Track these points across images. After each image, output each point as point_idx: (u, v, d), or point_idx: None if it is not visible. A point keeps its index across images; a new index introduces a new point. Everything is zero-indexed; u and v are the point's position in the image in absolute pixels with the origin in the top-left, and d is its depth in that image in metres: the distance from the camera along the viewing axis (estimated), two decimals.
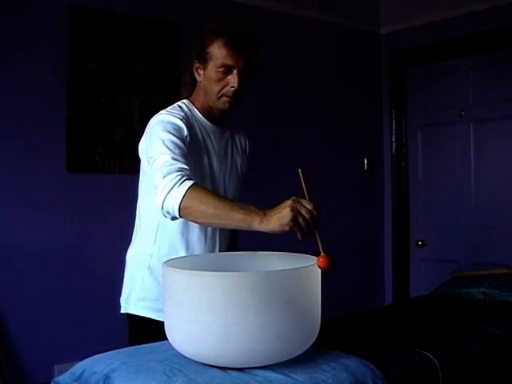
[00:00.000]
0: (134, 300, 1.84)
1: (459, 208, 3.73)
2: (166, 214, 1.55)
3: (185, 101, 1.85)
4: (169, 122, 1.70)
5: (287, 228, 1.39)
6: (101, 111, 2.93)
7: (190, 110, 1.80)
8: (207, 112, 1.82)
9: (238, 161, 1.95)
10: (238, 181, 1.94)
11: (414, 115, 3.99)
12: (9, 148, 2.71)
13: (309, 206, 1.40)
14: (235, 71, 1.72)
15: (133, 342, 1.78)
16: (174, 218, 1.56)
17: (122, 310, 1.87)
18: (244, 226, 1.45)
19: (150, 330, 1.74)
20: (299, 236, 1.41)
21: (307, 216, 1.39)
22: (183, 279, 1.33)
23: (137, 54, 3.03)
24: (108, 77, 2.95)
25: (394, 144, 4.07)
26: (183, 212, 1.51)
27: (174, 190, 1.50)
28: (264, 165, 3.35)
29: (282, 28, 3.61)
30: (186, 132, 1.70)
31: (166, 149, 1.61)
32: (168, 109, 1.78)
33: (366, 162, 4.04)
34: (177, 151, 1.61)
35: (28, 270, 2.74)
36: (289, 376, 1.33)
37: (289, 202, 1.41)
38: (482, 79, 3.60)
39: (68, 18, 2.82)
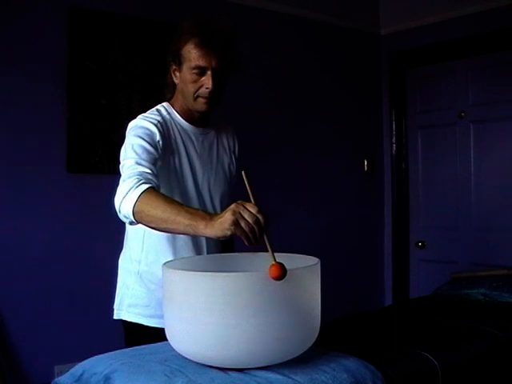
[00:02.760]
0: (126, 306, 1.84)
1: (459, 209, 3.74)
2: (124, 219, 1.53)
3: (164, 104, 1.84)
4: (141, 127, 1.70)
5: (228, 233, 1.32)
6: (101, 112, 2.93)
7: (168, 113, 1.80)
8: (187, 114, 1.81)
9: (226, 161, 1.93)
10: (227, 181, 1.92)
11: (414, 116, 4.00)
12: (9, 148, 2.71)
13: (252, 210, 1.30)
14: (209, 72, 1.69)
15: (128, 347, 1.76)
16: (131, 223, 1.53)
17: (115, 316, 1.88)
18: (190, 231, 1.40)
19: (143, 336, 1.75)
20: (245, 242, 1.33)
21: (250, 220, 1.30)
22: (183, 280, 1.33)
23: (137, 54, 3.03)
24: (108, 77, 2.95)
25: (394, 145, 4.07)
26: (137, 216, 1.48)
27: (129, 193, 1.49)
28: (263, 166, 3.35)
29: (282, 29, 3.62)
30: (158, 137, 1.69)
31: (133, 153, 1.61)
32: (146, 113, 1.78)
33: (365, 163, 4.05)
34: (144, 156, 1.60)
35: (28, 270, 2.73)
36: (289, 377, 1.34)
37: (232, 206, 1.33)
38: (482, 80, 3.60)
39: (68, 18, 2.83)
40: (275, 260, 1.27)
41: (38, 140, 2.78)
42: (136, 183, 1.49)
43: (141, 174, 1.54)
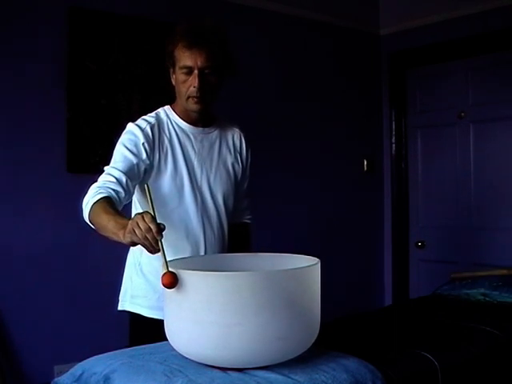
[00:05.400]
0: (129, 297, 1.91)
1: (459, 209, 3.74)
2: (88, 223, 1.66)
3: (166, 106, 1.92)
4: (127, 132, 1.82)
5: (128, 240, 1.44)
6: (101, 112, 2.93)
7: (167, 115, 1.89)
8: (185, 114, 1.88)
9: (229, 159, 1.96)
10: (230, 179, 1.96)
11: (414, 116, 4.00)
12: (9, 148, 2.71)
13: (146, 220, 1.39)
14: (196, 71, 1.77)
15: (131, 338, 1.88)
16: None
17: (119, 307, 1.94)
18: (116, 239, 1.51)
19: (144, 327, 1.83)
20: (146, 250, 1.43)
21: (142, 228, 1.39)
22: (183, 279, 1.34)
23: (137, 54, 3.03)
24: (108, 77, 2.95)
25: (393, 145, 4.07)
26: (92, 223, 1.63)
27: (87, 203, 1.64)
28: (263, 166, 3.35)
29: (282, 29, 3.61)
30: (142, 139, 1.78)
31: (113, 160, 1.78)
32: (144, 116, 1.87)
33: (365, 163, 4.04)
34: (119, 163, 1.74)
35: (28, 270, 2.74)
36: (288, 377, 1.34)
37: (134, 216, 1.45)
38: (482, 80, 3.60)
39: (68, 18, 2.83)
40: (167, 268, 1.34)
41: (38, 140, 2.77)
42: (94, 193, 1.65)
43: (104, 183, 1.69)
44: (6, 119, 2.71)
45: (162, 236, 1.39)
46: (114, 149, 1.84)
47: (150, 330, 1.66)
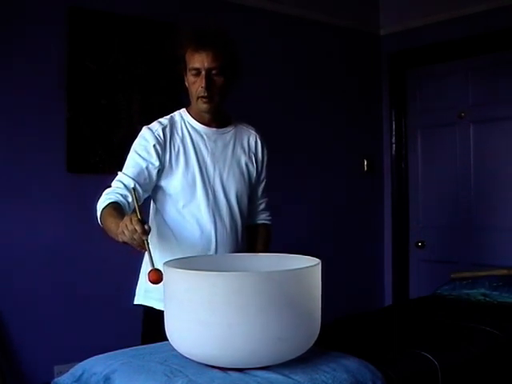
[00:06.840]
0: (143, 291, 1.98)
1: (459, 209, 3.74)
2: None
3: (182, 109, 2.01)
4: (140, 136, 1.93)
5: (120, 239, 1.58)
6: (101, 112, 2.93)
7: (181, 117, 1.98)
8: (199, 116, 1.97)
9: (243, 159, 2.02)
10: (243, 178, 2.01)
11: (414, 116, 3.99)
12: (9, 148, 2.71)
13: (133, 221, 1.53)
14: (203, 72, 1.86)
15: (144, 331, 1.96)
16: None
17: (134, 302, 2.02)
18: (116, 239, 1.63)
19: (156, 320, 1.85)
20: (137, 249, 1.56)
21: (129, 229, 1.52)
22: (185, 279, 1.34)
23: (137, 54, 3.03)
24: (108, 77, 2.95)
25: (393, 145, 4.07)
26: (102, 225, 1.77)
27: (99, 208, 1.79)
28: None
29: (282, 29, 3.61)
30: (153, 141, 1.89)
31: (125, 165, 1.89)
32: (160, 118, 1.97)
33: (365, 163, 4.04)
34: (130, 169, 1.87)
35: (28, 270, 2.73)
36: (289, 377, 1.34)
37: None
38: (482, 80, 3.60)
39: (68, 18, 2.82)
40: (153, 266, 1.48)
41: (38, 140, 2.77)
42: (104, 199, 1.79)
43: (113, 189, 1.83)
44: (6, 119, 2.71)
45: (147, 236, 1.51)
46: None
47: (162, 323, 1.69)
